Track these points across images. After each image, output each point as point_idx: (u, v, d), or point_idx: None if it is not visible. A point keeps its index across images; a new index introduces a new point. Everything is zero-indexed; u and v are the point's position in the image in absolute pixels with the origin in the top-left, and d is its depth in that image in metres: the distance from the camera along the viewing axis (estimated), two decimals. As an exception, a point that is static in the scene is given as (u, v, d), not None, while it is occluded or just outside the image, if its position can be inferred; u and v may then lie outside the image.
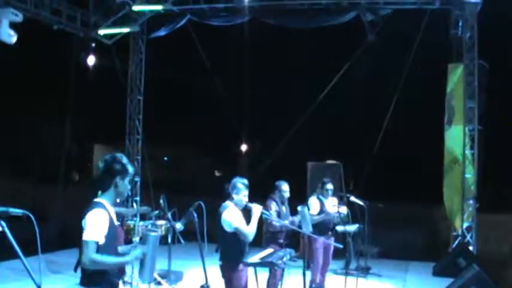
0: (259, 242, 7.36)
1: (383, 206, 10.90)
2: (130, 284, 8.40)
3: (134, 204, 13.43)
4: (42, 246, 3.31)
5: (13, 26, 9.63)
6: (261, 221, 6.94)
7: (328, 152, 14.41)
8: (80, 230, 3.92)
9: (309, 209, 8.85)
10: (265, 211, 6.80)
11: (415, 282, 10.79)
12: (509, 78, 15.71)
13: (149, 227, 9.21)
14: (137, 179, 14.46)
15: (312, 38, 14.08)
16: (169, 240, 9.08)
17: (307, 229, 7.57)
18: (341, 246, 7.41)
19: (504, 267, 11.93)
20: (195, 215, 5.43)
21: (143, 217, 10.63)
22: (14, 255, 3.08)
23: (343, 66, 13.69)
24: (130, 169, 4.14)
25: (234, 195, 6.20)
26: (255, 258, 6.24)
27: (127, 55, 14.67)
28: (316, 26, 13.06)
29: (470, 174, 11.88)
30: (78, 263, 4.00)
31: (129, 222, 9.52)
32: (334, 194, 9.49)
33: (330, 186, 9.29)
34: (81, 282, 4.01)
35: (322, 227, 8.94)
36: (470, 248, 11.52)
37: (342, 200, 10.51)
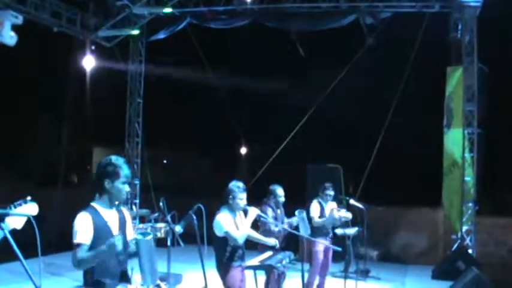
0: (255, 246, 7.37)
1: (382, 209, 10.92)
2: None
3: (134, 207, 13.42)
4: (42, 248, 3.31)
5: (13, 28, 9.66)
6: (257, 226, 6.96)
7: (328, 155, 14.40)
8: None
9: (309, 213, 8.90)
10: (262, 214, 6.82)
11: (414, 285, 10.81)
12: (508, 82, 15.72)
13: (148, 229, 9.19)
14: (137, 181, 14.48)
15: (311, 41, 14.07)
16: (169, 243, 9.08)
17: (306, 233, 7.58)
18: (339, 249, 7.41)
19: (503, 270, 11.94)
20: (195, 217, 5.43)
21: (143, 219, 10.64)
22: (13, 257, 3.08)
23: (343, 70, 13.71)
24: (125, 171, 4.10)
25: (230, 201, 6.23)
26: (254, 261, 6.26)
27: (127, 57, 14.68)
28: (315, 29, 13.09)
29: (469, 177, 11.87)
30: None
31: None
32: (335, 199, 9.51)
33: (330, 192, 9.32)
34: (85, 284, 4.01)
35: (322, 229, 8.97)
36: (470, 251, 11.52)
37: (341, 204, 10.52)
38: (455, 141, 12.33)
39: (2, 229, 3.24)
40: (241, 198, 6.25)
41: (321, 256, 9.03)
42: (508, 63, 14.74)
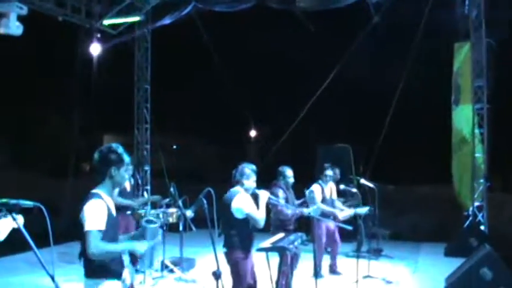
0: (267, 229, 7.36)
1: (393, 188, 10.90)
2: (144, 272, 8.45)
3: (145, 193, 13.49)
4: (54, 237, 3.34)
5: (19, 18, 9.66)
6: (268, 208, 6.96)
7: (338, 135, 14.39)
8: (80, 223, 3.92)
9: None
10: (273, 197, 6.82)
11: (427, 263, 10.79)
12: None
13: (160, 215, 9.25)
14: (147, 167, 14.53)
15: (318, 20, 13.97)
16: (181, 228, 9.13)
17: (316, 211, 7.62)
18: (350, 228, 7.40)
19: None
20: (205, 201, 5.44)
21: (154, 205, 10.69)
22: (26, 248, 3.11)
23: (350, 49, 13.61)
24: (126, 159, 4.15)
25: (244, 181, 6.18)
26: (266, 243, 6.26)
27: (133, 44, 14.65)
28: (321, 8, 12.97)
29: (480, 154, 11.82)
30: (81, 254, 3.99)
31: (140, 211, 9.58)
32: (345, 178, 9.55)
33: (329, 172, 9.36)
34: (86, 275, 4.02)
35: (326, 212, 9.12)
36: (482, 227, 11.51)
37: (351, 183, 10.54)
38: (464, 117, 12.25)
39: (15, 219, 3.26)
40: (254, 180, 6.23)
41: (323, 238, 9.12)
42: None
